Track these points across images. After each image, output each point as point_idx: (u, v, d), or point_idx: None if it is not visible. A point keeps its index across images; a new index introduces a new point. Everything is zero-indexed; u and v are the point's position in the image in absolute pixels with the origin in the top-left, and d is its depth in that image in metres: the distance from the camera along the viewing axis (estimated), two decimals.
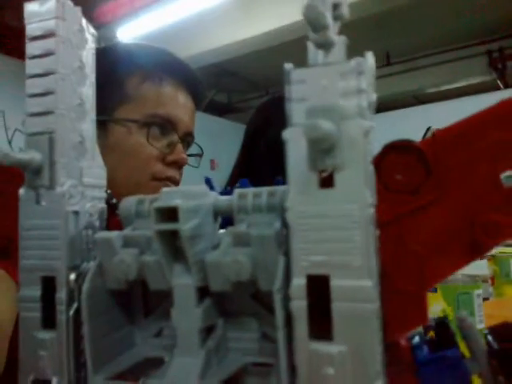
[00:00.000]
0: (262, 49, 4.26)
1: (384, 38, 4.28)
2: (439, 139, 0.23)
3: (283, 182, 0.24)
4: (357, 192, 0.21)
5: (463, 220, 0.22)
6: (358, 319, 0.20)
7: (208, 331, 0.24)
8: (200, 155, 1.01)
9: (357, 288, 0.21)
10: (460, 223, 0.22)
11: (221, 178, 1.36)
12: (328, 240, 0.21)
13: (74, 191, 0.26)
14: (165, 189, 0.25)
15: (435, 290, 0.68)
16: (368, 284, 0.21)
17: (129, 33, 4.13)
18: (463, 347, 0.28)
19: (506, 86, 4.67)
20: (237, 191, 0.26)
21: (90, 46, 0.29)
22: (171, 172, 0.87)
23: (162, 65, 0.91)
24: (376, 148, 0.23)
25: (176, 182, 0.89)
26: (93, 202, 0.27)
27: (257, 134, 1.30)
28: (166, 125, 0.87)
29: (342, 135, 0.21)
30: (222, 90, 5.40)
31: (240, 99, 5.66)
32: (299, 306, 0.21)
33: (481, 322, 0.66)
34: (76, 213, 0.26)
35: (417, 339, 0.28)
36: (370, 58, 0.22)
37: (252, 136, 1.33)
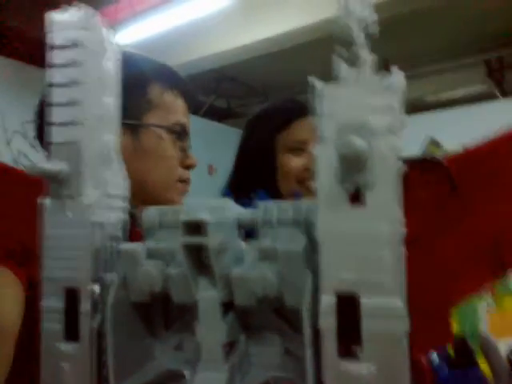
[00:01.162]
0: (262, 54, 4.26)
1: (383, 45, 4.29)
2: (466, 156, 0.23)
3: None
4: (388, 211, 0.21)
5: (488, 238, 0.22)
6: (387, 338, 0.20)
7: (231, 346, 0.24)
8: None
9: (387, 307, 0.21)
10: (485, 241, 0.22)
11: (219, 183, 1.36)
12: (358, 258, 0.21)
13: (100, 202, 0.26)
14: (188, 201, 0.25)
15: None
16: (398, 303, 0.21)
17: (128, 37, 4.12)
18: (483, 366, 0.28)
19: (504, 96, 4.69)
20: (261, 205, 0.26)
21: (115, 55, 0.29)
22: (188, 175, 0.96)
23: (172, 76, 0.98)
24: None
25: (189, 184, 0.98)
26: (117, 213, 0.27)
27: (247, 141, 1.31)
28: (182, 132, 0.95)
29: (373, 153, 0.21)
30: (221, 96, 5.39)
31: (239, 104, 5.66)
32: (328, 324, 0.21)
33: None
34: (101, 224, 0.25)
35: (436, 358, 0.28)
36: (399, 76, 0.23)
37: (244, 142, 1.34)
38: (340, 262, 0.21)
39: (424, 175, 0.23)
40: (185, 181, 0.96)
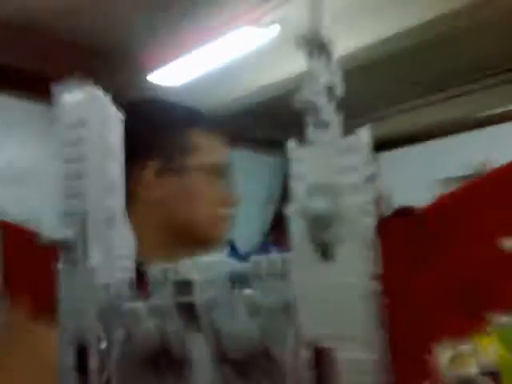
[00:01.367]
0: None
1: (435, 64, 4.21)
2: (442, 205, 0.23)
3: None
4: (357, 265, 0.22)
5: (461, 281, 0.23)
6: None
7: None
8: None
9: (361, 361, 0.21)
10: (458, 284, 0.23)
11: None
12: (332, 312, 0.22)
13: (106, 264, 0.28)
14: (182, 261, 0.27)
15: (490, 333, 0.65)
16: (372, 357, 0.21)
17: (173, 80, 4.28)
18: None
19: None
20: (252, 259, 0.27)
21: (118, 127, 0.32)
22: (229, 212, 1.01)
23: (208, 120, 1.04)
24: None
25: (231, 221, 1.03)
26: (123, 273, 0.29)
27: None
28: (222, 172, 1.00)
29: (339, 211, 0.22)
30: (278, 127, 5.46)
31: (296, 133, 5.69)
32: (306, 377, 0.22)
33: None
34: (106, 285, 0.28)
35: None
36: (364, 135, 0.24)
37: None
38: (315, 315, 0.22)
39: (400, 224, 0.24)
40: (228, 219, 1.01)
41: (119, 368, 0.26)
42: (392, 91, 4.81)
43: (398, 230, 0.24)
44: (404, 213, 0.24)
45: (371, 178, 0.23)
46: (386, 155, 5.75)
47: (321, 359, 0.22)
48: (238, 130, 5.19)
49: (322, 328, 0.22)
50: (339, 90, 0.24)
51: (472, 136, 5.21)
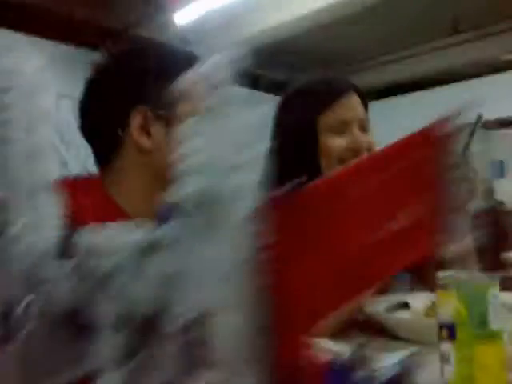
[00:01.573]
0: (320, 24, 4.16)
1: (451, 4, 4.03)
2: (328, 183, 0.24)
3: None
4: (239, 239, 0.23)
5: (344, 258, 0.24)
6: None
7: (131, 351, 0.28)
8: None
9: (237, 325, 0.23)
10: (342, 261, 0.24)
11: None
12: (212, 282, 0.23)
13: (30, 230, 0.30)
14: (89, 227, 0.28)
15: (447, 289, 0.67)
16: (247, 323, 0.23)
17: (186, 16, 4.17)
18: None
19: None
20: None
21: (49, 93, 0.33)
22: None
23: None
24: None
25: None
26: (47, 238, 0.31)
27: (285, 121, 1.30)
28: None
29: (223, 189, 0.23)
30: (282, 68, 5.34)
31: (300, 76, 5.57)
32: (186, 339, 0.24)
33: (496, 323, 0.65)
34: (30, 250, 0.30)
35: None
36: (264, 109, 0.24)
37: (282, 123, 1.33)
38: (198, 285, 0.24)
39: (290, 197, 0.25)
40: None
41: (36, 328, 0.28)
42: (396, 37, 4.63)
43: (289, 204, 0.25)
44: (296, 187, 0.25)
45: (257, 158, 0.24)
46: (392, 101, 5.65)
47: (199, 324, 0.23)
48: (246, 70, 5.07)
49: (203, 296, 0.24)
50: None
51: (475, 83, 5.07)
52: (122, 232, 0.28)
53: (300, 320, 0.25)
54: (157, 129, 0.96)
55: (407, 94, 5.70)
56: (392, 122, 5.73)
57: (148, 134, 0.96)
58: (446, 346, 0.66)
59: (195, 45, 4.41)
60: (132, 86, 0.98)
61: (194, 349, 0.23)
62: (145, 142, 0.96)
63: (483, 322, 0.64)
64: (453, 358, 0.65)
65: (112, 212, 0.94)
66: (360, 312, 1.10)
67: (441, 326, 0.67)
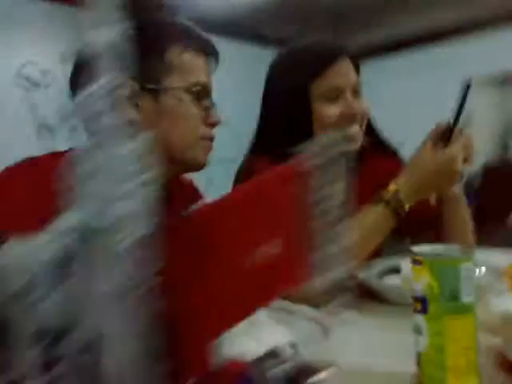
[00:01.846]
0: None
1: None
2: (205, 213, 0.24)
3: None
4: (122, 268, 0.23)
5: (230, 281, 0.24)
6: None
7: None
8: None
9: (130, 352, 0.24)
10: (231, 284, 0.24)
11: None
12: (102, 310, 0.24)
13: None
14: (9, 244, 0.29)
15: (420, 264, 0.67)
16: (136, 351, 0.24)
17: None
18: None
19: None
20: None
21: None
22: (212, 132, 1.03)
23: (191, 37, 0.99)
24: None
25: (213, 141, 1.05)
26: None
27: (277, 89, 1.27)
28: (203, 91, 1.00)
29: (110, 220, 0.23)
30: (289, 24, 5.18)
31: (308, 31, 5.41)
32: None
33: (468, 297, 0.65)
34: None
35: None
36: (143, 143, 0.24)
37: (273, 90, 1.30)
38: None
39: (177, 224, 0.25)
40: (208, 138, 1.02)
41: None
42: None
43: (177, 231, 0.25)
44: (184, 216, 0.25)
45: (146, 185, 0.24)
46: (420, 53, 5.47)
47: (93, 348, 0.24)
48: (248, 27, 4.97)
49: (94, 321, 0.24)
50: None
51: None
52: (33, 250, 0.29)
53: (199, 339, 0.25)
54: (145, 102, 0.96)
55: (414, 49, 5.51)
56: (402, 78, 5.62)
57: (136, 106, 0.96)
58: (419, 319, 0.67)
59: (195, 5, 4.30)
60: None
61: (88, 372, 0.24)
62: (132, 114, 0.96)
63: (455, 295, 0.64)
64: (425, 330, 0.66)
65: None
66: (351, 277, 1.11)
67: (415, 299, 0.68)
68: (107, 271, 0.23)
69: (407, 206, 1.06)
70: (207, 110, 1.02)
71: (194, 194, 1.25)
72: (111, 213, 0.23)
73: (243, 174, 1.28)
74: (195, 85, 0.99)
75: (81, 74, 1.00)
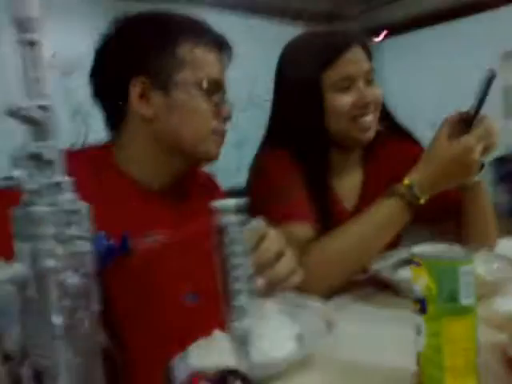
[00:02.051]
0: None
1: None
2: (144, 256, 0.25)
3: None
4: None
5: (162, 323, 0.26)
6: None
7: None
8: None
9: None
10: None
11: None
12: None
13: None
14: None
15: (419, 265, 0.67)
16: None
17: None
18: None
19: None
20: None
21: None
22: (223, 126, 1.03)
23: (203, 32, 1.02)
24: None
25: (225, 134, 1.05)
26: None
27: (288, 79, 1.26)
28: (215, 86, 1.00)
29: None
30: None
31: (344, 6, 5.25)
32: None
33: (467, 299, 0.65)
34: None
35: None
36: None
37: (284, 80, 1.28)
38: None
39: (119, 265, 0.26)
40: (220, 133, 1.02)
41: None
42: None
43: (117, 274, 0.26)
44: (121, 259, 0.26)
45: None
46: (447, 26, 5.25)
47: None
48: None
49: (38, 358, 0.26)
50: None
51: None
52: None
53: (148, 366, 0.27)
54: (157, 97, 0.98)
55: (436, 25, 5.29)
56: (419, 56, 5.42)
57: (148, 102, 0.98)
58: (419, 319, 0.67)
59: None
60: (131, 56, 0.99)
61: None
62: (145, 110, 0.98)
63: (453, 297, 0.64)
64: (424, 330, 0.66)
65: (116, 178, 0.98)
66: (365, 269, 1.11)
67: (415, 300, 0.68)
68: (51, 311, 0.25)
69: (423, 200, 1.04)
70: (218, 104, 1.02)
71: (213, 188, 1.25)
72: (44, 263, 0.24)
73: (257, 169, 1.29)
74: (206, 80, 0.99)
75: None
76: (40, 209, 0.23)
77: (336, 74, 1.16)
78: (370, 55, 1.22)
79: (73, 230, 0.24)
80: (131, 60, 0.99)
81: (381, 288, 1.10)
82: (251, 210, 0.86)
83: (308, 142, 1.21)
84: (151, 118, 1.00)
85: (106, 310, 0.27)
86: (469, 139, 1.03)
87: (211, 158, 1.05)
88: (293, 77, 1.22)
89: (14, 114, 0.23)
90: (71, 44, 3.56)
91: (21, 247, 0.24)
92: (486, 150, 1.06)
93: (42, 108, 0.23)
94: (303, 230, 1.12)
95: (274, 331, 0.82)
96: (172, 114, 0.99)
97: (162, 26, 1.01)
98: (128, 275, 0.26)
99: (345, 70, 1.16)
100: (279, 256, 0.81)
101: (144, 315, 0.26)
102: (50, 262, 0.24)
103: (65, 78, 3.60)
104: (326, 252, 1.06)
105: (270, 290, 0.83)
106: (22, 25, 0.23)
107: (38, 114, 0.23)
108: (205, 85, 0.99)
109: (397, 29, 5.44)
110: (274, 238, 0.81)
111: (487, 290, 0.95)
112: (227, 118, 1.04)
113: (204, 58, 1.00)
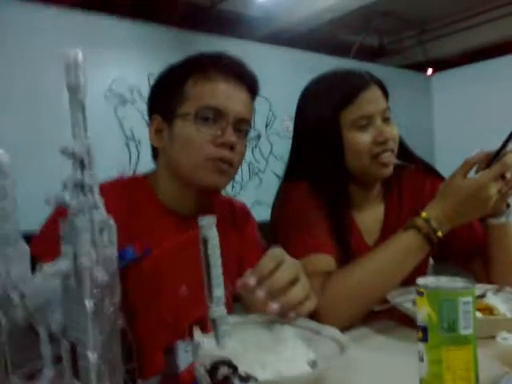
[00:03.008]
0: None
1: None
2: (153, 259, 0.33)
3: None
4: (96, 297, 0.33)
5: (170, 313, 0.33)
6: None
7: None
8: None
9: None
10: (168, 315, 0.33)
11: None
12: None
13: None
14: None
15: (422, 295, 0.72)
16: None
17: None
18: None
19: None
20: None
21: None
22: (223, 153, 1.05)
23: (214, 65, 1.09)
24: None
25: (229, 162, 1.07)
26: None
27: (307, 119, 1.31)
28: (216, 113, 1.05)
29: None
30: (371, 33, 5.15)
31: (392, 40, 5.34)
32: None
33: (466, 329, 0.68)
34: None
35: None
36: None
37: (303, 120, 1.33)
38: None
39: (131, 268, 0.35)
40: (218, 159, 1.04)
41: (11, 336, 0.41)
42: None
43: (132, 272, 0.35)
44: (134, 260, 0.34)
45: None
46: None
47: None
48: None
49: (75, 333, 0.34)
50: None
51: None
52: (49, 278, 0.40)
53: (151, 347, 0.35)
54: (165, 131, 1.10)
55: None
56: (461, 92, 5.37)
57: (161, 136, 1.10)
58: (421, 347, 0.71)
59: (277, 17, 4.43)
60: (151, 97, 1.15)
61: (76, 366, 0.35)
62: (157, 143, 1.11)
63: (453, 327, 0.67)
64: (425, 358, 0.70)
65: (152, 205, 1.09)
66: (383, 300, 1.14)
67: (418, 328, 0.72)
68: (85, 297, 0.33)
69: (440, 233, 1.07)
70: (221, 131, 1.04)
71: (245, 218, 1.29)
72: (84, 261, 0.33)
73: (279, 200, 1.33)
74: (203, 108, 1.04)
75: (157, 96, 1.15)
76: (81, 221, 0.32)
77: (354, 113, 1.20)
78: (386, 94, 1.27)
79: (103, 238, 0.33)
80: (151, 100, 1.14)
81: (400, 322, 1.12)
82: (274, 241, 0.92)
83: (327, 177, 1.25)
84: (164, 150, 1.11)
85: (123, 300, 0.35)
86: (483, 176, 1.06)
87: (209, 185, 1.08)
88: (312, 114, 1.27)
89: (64, 152, 0.32)
90: (126, 75, 3.81)
91: (66, 248, 0.33)
92: (510, 185, 1.07)
93: (84, 146, 0.32)
94: (324, 261, 1.14)
95: (290, 354, 0.85)
96: (173, 145, 1.08)
97: (175, 68, 1.12)
98: (140, 274, 0.33)
99: (363, 108, 1.20)
100: (294, 282, 0.87)
101: (150, 305, 0.33)
102: (86, 261, 0.32)
103: (120, 107, 3.83)
104: (345, 284, 1.08)
105: (283, 315, 0.88)
106: (72, 89, 0.32)
107: (80, 151, 0.32)
108: (201, 113, 1.04)
109: (445, 63, 5.45)
110: (289, 265, 0.86)
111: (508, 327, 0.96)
112: (224, 145, 1.04)
113: (205, 88, 1.06)
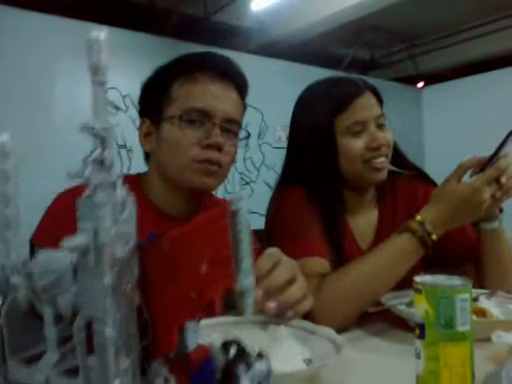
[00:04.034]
0: None
1: None
2: (174, 237, 0.34)
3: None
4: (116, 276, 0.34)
5: (191, 290, 0.34)
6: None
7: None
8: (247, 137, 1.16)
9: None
10: (188, 292, 0.34)
11: None
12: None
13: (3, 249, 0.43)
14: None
15: (420, 292, 0.73)
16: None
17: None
18: None
19: None
20: None
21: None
22: (209, 154, 1.05)
23: (200, 65, 1.08)
24: None
25: (217, 163, 1.06)
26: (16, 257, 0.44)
27: (301, 125, 1.32)
28: (202, 115, 1.05)
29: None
30: (363, 47, 5.23)
31: (383, 54, 5.43)
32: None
33: (463, 326, 0.69)
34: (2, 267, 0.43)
35: None
36: None
37: (298, 126, 1.34)
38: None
39: (150, 246, 0.35)
40: (205, 161, 1.04)
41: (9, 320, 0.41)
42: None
43: (151, 251, 0.35)
44: (154, 239, 0.35)
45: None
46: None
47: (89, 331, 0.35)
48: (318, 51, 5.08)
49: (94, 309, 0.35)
50: None
51: None
52: (57, 257, 0.40)
53: (167, 325, 0.35)
54: (153, 134, 1.10)
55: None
56: (458, 104, 5.47)
57: (149, 141, 1.11)
58: (418, 344, 0.72)
59: (271, 29, 4.49)
60: (140, 100, 1.15)
61: (89, 344, 0.35)
62: (147, 146, 1.12)
63: (450, 323, 0.69)
64: (422, 355, 0.71)
65: (144, 206, 1.09)
66: (378, 302, 1.15)
67: (416, 325, 0.73)
68: (105, 273, 0.34)
69: (435, 236, 1.09)
70: (208, 132, 1.04)
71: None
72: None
73: (274, 205, 1.34)
74: (189, 110, 1.04)
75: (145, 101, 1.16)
76: (102, 197, 0.33)
77: (348, 119, 1.22)
78: (380, 101, 1.29)
79: (123, 216, 0.34)
80: (141, 104, 1.14)
81: (393, 325, 1.13)
82: (269, 245, 0.93)
83: (321, 182, 1.26)
84: (153, 154, 1.12)
85: (141, 277, 0.35)
86: (476, 180, 1.08)
87: (197, 187, 1.07)
88: (307, 120, 1.29)
89: (86, 129, 0.33)
90: (120, 84, 3.81)
91: (84, 225, 0.34)
92: (504, 190, 1.10)
93: (106, 124, 0.33)
94: (319, 264, 1.15)
95: (285, 352, 0.86)
96: (161, 148, 1.09)
97: (162, 71, 1.13)
98: (158, 252, 0.34)
99: (357, 115, 1.22)
100: (291, 282, 0.87)
101: (168, 283, 0.34)
102: (106, 238, 0.33)
103: (112, 115, 3.84)
104: (340, 285, 1.08)
105: (280, 314, 0.88)
106: (94, 69, 0.33)
107: (101, 129, 0.33)
108: (186, 115, 1.04)
109: (436, 77, 5.55)
110: (286, 265, 0.87)
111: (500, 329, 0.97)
112: (211, 146, 1.04)
113: (191, 90, 1.05)
